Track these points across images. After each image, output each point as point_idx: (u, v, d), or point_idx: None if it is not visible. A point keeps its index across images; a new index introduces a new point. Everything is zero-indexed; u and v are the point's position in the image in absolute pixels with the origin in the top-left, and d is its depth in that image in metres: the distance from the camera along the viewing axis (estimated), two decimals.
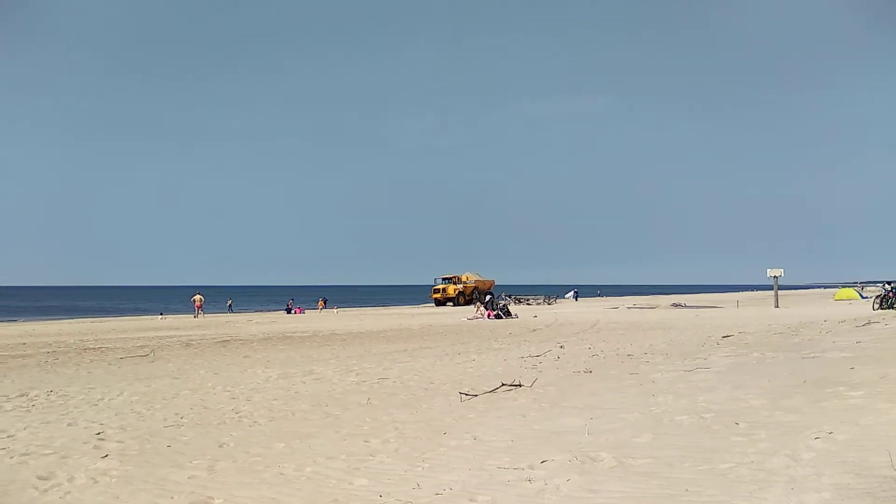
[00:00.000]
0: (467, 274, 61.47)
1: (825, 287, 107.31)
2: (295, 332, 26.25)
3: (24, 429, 8.48)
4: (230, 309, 54.56)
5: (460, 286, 59.65)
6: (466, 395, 9.93)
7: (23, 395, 11.08)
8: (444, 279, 60.99)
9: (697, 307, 42.82)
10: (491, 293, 61.31)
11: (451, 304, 58.52)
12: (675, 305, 45.05)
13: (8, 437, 8.05)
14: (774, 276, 41.30)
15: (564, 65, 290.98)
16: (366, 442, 7.35)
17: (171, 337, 24.69)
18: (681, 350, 15.28)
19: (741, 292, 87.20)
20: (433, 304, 60.12)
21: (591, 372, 12.11)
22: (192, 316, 45.08)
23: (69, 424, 8.72)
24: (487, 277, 62.99)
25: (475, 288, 60.17)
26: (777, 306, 39.63)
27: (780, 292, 43.86)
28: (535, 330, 24.74)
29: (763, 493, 5.03)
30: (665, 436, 6.95)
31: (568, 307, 48.55)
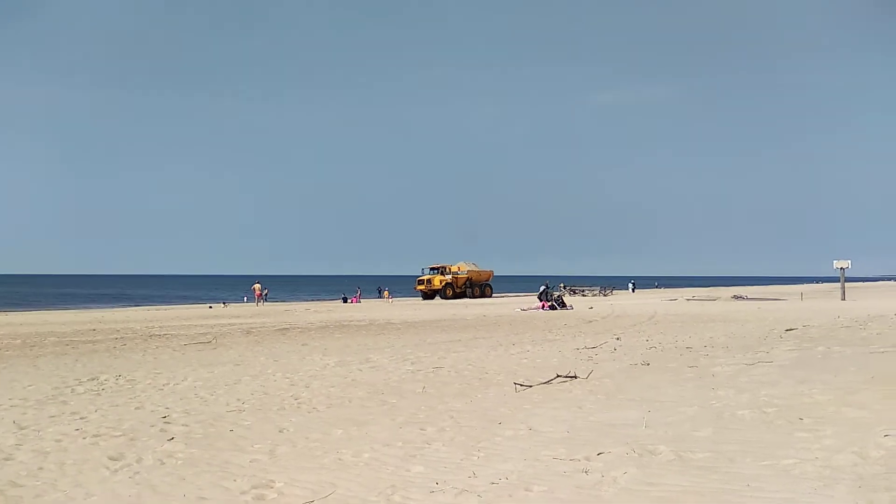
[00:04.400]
0: (460, 264, 56.39)
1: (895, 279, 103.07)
2: (351, 321, 26.62)
3: (95, 411, 8.84)
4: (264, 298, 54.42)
5: (449, 277, 54.80)
6: (521, 385, 9.91)
7: (93, 379, 11.55)
8: (431, 269, 56.01)
9: (760, 299, 41.70)
10: (489, 284, 57.49)
11: (439, 297, 53.66)
12: (737, 297, 43.94)
13: (80, 418, 8.41)
14: (841, 268, 39.90)
15: (631, 54, 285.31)
16: (421, 430, 7.42)
17: (232, 325, 25.34)
18: (742, 343, 14.93)
19: (806, 284, 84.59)
20: (420, 297, 54.86)
21: (648, 364, 11.94)
22: (254, 304, 46.24)
23: (137, 408, 9.05)
24: (485, 268, 57.86)
25: (468, 279, 55.40)
26: (844, 299, 38.29)
27: (847, 284, 42.36)
28: (590, 321, 24.50)
29: (829, 490, 4.89)
30: (725, 430, 6.82)
31: (624, 299, 47.89)
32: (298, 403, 9.19)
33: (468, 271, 55.89)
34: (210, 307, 44.70)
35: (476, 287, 56.07)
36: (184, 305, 49.54)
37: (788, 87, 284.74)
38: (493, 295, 57.10)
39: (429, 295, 54.42)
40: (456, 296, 53.94)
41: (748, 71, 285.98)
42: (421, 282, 55.53)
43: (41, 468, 6.29)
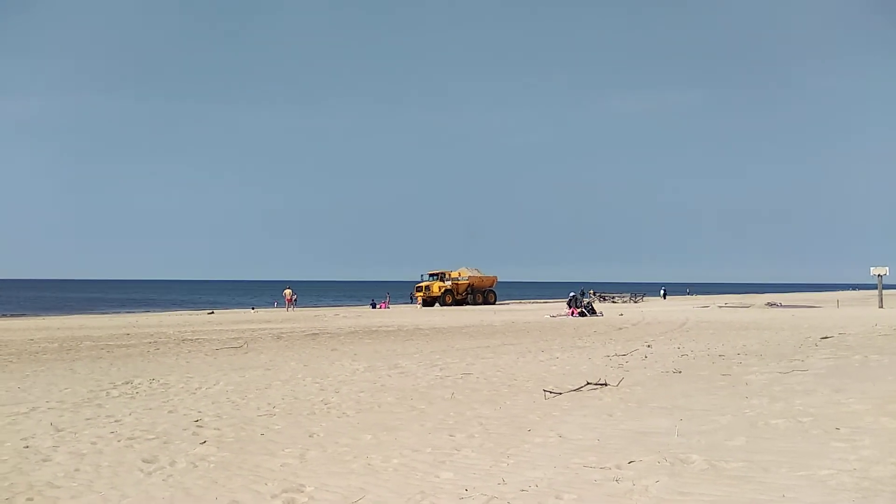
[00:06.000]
0: (461, 269, 54.48)
1: None
2: (380, 327, 26.71)
3: (130, 414, 8.99)
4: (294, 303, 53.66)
5: (448, 283, 53.01)
6: (551, 392, 9.86)
7: (128, 383, 11.74)
8: (430, 275, 54.24)
9: (794, 307, 41.01)
10: (493, 290, 55.62)
11: (438, 304, 52.01)
12: (770, 305, 43.25)
13: (115, 421, 8.56)
14: (879, 275, 39.07)
15: (652, 57, 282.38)
16: (450, 436, 7.42)
17: (262, 329, 25.58)
18: (776, 351, 14.69)
19: (842, 291, 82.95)
20: (420, 304, 53.12)
21: (680, 372, 11.80)
22: (285, 309, 46.59)
23: (170, 412, 9.18)
24: (488, 274, 55.77)
25: (470, 285, 53.82)
26: (882, 306, 37.49)
27: (885, 292, 41.46)
28: (621, 328, 24.30)
29: (868, 502, 4.79)
30: (759, 439, 6.71)
31: (655, 305, 47.41)
32: (328, 408, 9.24)
33: (469, 277, 54.38)
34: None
35: (479, 294, 54.58)
36: (222, 310, 50.09)
37: (817, 89, 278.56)
38: (509, 302, 55.72)
39: (428, 302, 53.04)
40: (457, 303, 52.63)
41: (774, 74, 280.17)
42: (419, 288, 54.08)
43: (78, 469, 6.41)
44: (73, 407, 9.54)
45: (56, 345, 19.38)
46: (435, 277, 54.02)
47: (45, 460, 6.75)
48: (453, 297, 52.76)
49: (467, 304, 52.79)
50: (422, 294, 53.45)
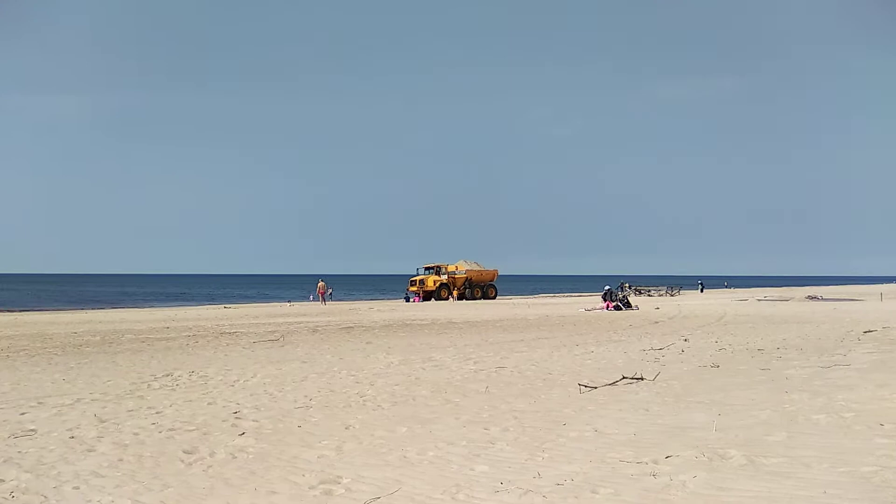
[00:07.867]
0: (459, 263, 52.77)
1: None
2: (414, 320, 26.82)
3: (170, 406, 9.17)
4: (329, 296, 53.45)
5: (444, 277, 51.31)
6: (586, 386, 9.81)
7: (168, 375, 11.97)
8: (426, 269, 52.48)
9: (835, 300, 40.13)
10: (493, 285, 53.67)
11: (434, 298, 50.18)
12: (811, 298, 42.41)
13: (156, 413, 8.74)
14: None
15: (688, 44, 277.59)
16: (485, 429, 7.43)
17: (298, 323, 25.87)
18: (817, 345, 14.41)
19: (885, 284, 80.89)
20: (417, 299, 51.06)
21: (718, 366, 11.64)
22: (320, 303, 47.01)
23: (209, 403, 9.34)
24: (489, 267, 54.00)
25: (468, 279, 51.89)
26: None
27: None
28: (657, 322, 24.04)
29: None
30: (800, 435, 6.60)
31: (692, 299, 46.76)
32: (364, 401, 9.32)
33: (467, 271, 52.57)
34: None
35: (477, 288, 52.69)
36: (251, 304, 50.79)
37: (862, 76, 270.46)
38: (542, 295, 54.64)
39: (424, 297, 51.49)
40: (457, 297, 51.29)
41: (809, 60, 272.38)
42: (413, 283, 52.44)
43: (121, 460, 6.56)
44: (116, 399, 9.76)
45: (98, 338, 19.84)
46: (430, 271, 52.36)
47: (89, 450, 6.92)
48: (449, 291, 51.26)
49: (465, 298, 51.09)
50: (415, 288, 51.91)
